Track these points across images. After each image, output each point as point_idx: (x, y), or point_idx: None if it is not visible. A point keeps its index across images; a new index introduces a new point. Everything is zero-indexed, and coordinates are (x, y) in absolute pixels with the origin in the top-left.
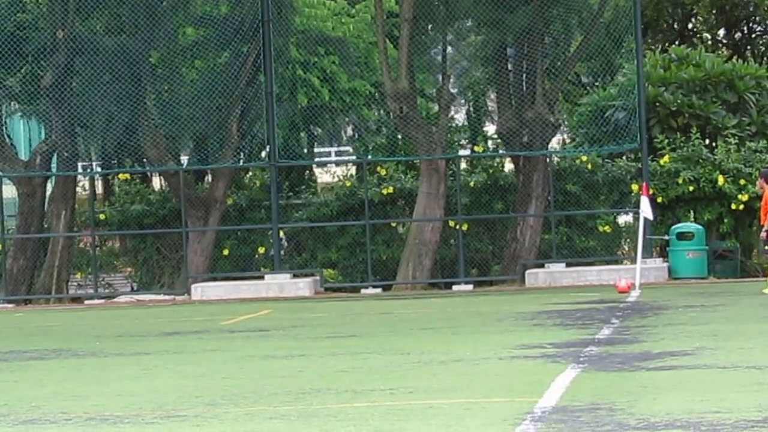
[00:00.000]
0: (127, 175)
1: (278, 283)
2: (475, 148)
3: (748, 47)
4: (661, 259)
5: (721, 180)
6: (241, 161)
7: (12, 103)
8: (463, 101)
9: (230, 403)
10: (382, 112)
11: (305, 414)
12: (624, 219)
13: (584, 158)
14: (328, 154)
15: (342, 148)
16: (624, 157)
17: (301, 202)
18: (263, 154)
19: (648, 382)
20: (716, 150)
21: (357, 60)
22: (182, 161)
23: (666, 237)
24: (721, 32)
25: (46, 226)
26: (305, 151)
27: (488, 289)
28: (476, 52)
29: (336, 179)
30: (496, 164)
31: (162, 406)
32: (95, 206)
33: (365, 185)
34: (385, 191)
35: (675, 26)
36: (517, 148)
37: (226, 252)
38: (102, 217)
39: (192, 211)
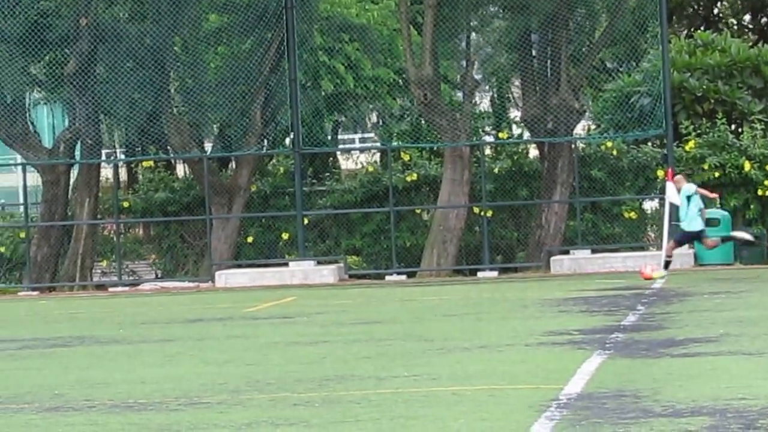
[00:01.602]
0: (151, 163)
1: (302, 270)
2: (500, 135)
3: None
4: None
5: (747, 166)
6: (265, 148)
7: (36, 90)
8: (487, 88)
9: (254, 390)
10: (406, 99)
11: (329, 400)
12: (650, 205)
13: (609, 144)
14: (352, 141)
15: (366, 135)
16: (649, 143)
17: (324, 189)
18: (287, 141)
19: (673, 369)
20: (742, 136)
21: (381, 47)
22: (206, 148)
23: None
24: (747, 17)
25: (69, 213)
26: (329, 138)
27: (513, 275)
28: (500, 38)
29: (360, 166)
30: (520, 151)
31: (186, 393)
32: (119, 194)
33: (389, 172)
34: (409, 178)
35: (700, 11)
36: (542, 135)
37: (250, 239)
38: (126, 204)
39: (216, 198)
